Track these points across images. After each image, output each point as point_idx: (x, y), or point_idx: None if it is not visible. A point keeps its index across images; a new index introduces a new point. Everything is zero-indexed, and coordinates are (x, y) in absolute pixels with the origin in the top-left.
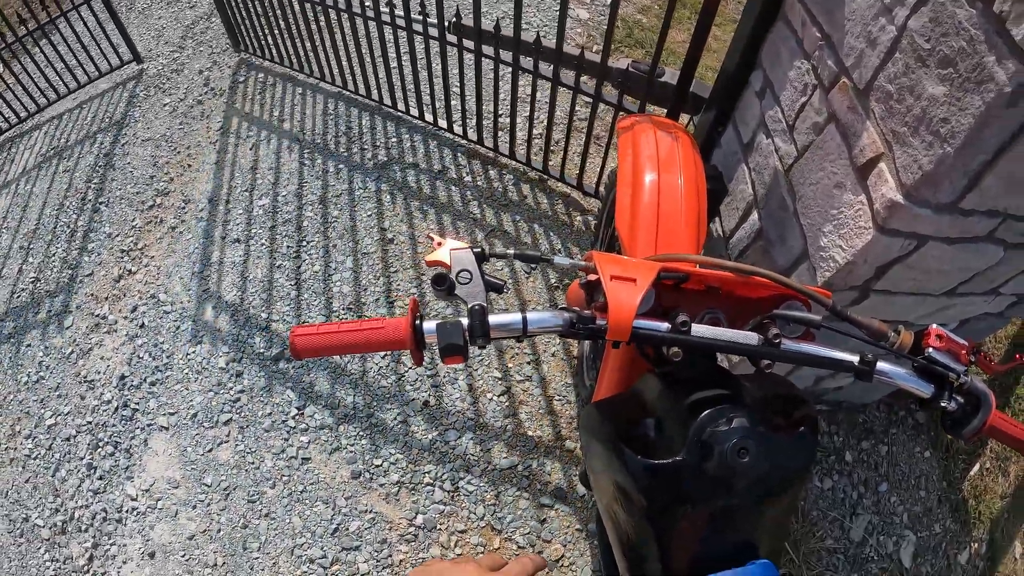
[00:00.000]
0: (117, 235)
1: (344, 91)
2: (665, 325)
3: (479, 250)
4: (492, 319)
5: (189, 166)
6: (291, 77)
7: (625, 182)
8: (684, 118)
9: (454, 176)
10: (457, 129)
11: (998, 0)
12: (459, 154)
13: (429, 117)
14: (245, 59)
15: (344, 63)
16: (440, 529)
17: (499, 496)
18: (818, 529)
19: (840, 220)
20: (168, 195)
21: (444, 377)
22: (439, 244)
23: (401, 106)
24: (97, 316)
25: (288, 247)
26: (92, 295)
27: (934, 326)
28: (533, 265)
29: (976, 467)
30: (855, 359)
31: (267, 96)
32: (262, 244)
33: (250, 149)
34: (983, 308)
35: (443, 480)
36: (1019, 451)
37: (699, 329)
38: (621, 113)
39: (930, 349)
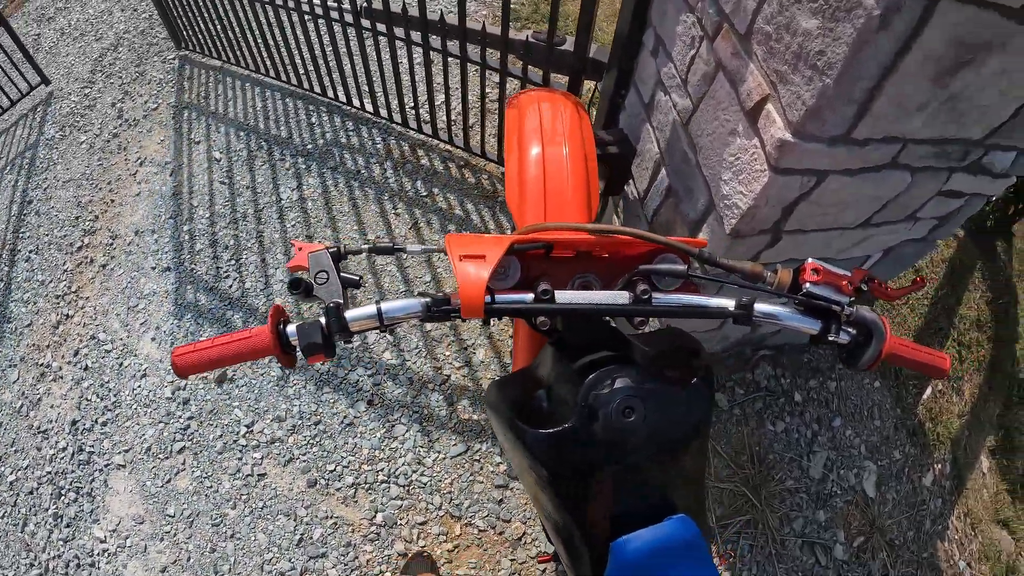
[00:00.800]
0: (50, 281)
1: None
2: (530, 296)
3: (335, 250)
4: (349, 314)
5: (112, 201)
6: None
7: (512, 158)
8: (590, 85)
9: (386, 159)
10: (384, 113)
11: None
12: (390, 137)
13: (357, 103)
14: (186, 55)
15: (275, 56)
16: (401, 524)
17: (453, 483)
18: (776, 472)
19: (738, 166)
20: (95, 233)
21: (384, 375)
22: (300, 249)
23: (331, 94)
24: (41, 365)
25: (219, 268)
26: (34, 345)
27: (810, 260)
28: (390, 256)
29: (928, 391)
30: (730, 305)
31: (180, 119)
32: (192, 269)
33: (170, 175)
34: (905, 235)
35: (397, 476)
36: (924, 373)
37: (565, 295)
38: (528, 86)
39: (807, 284)
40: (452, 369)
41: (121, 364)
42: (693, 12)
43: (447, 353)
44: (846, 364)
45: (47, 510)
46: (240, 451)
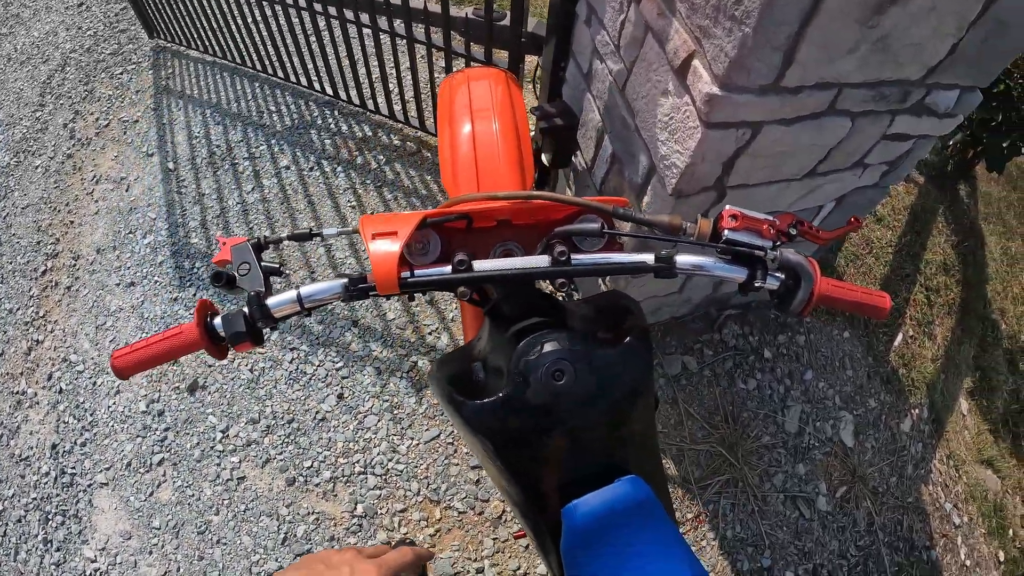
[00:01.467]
0: (18, 308)
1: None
2: (448, 268)
3: (255, 241)
4: (270, 301)
5: (72, 222)
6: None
7: (444, 137)
8: (534, 60)
9: (348, 138)
10: (343, 95)
11: None
12: (350, 118)
13: (318, 86)
14: (161, 46)
15: (244, 43)
16: (381, 513)
17: (429, 468)
18: (752, 429)
19: (673, 125)
20: (57, 256)
21: (353, 366)
22: (224, 244)
23: (293, 78)
24: (17, 393)
25: (182, 278)
26: (7, 374)
27: (727, 207)
28: (307, 243)
29: (899, 337)
30: (649, 258)
31: (131, 133)
32: (156, 281)
33: (126, 191)
34: (855, 183)
35: (373, 466)
36: (864, 315)
37: (484, 264)
38: (472, 64)
39: (726, 231)
40: (418, 355)
41: (94, 383)
42: None
43: (412, 339)
44: (779, 310)
45: (37, 536)
46: (218, 457)
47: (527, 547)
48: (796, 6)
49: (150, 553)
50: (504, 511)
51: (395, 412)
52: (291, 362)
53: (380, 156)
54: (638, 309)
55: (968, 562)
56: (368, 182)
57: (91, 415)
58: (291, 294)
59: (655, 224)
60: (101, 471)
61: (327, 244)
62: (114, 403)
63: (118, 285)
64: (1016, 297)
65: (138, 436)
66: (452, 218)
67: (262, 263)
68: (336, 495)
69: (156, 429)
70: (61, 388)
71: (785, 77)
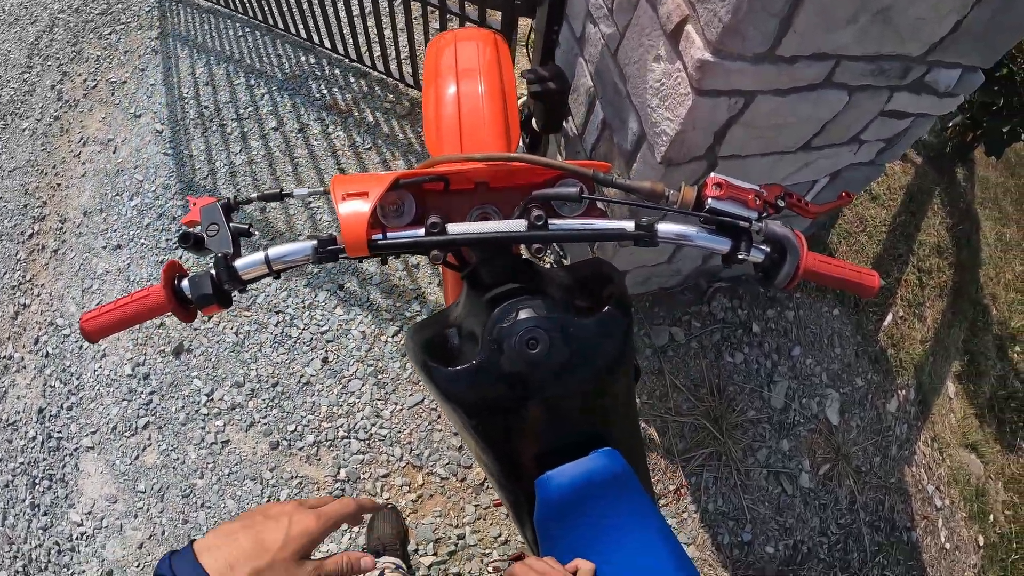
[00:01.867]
0: (5, 273)
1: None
2: (421, 231)
3: (225, 202)
4: (238, 263)
5: (59, 185)
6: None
7: (429, 98)
8: (526, 23)
9: (344, 93)
10: (341, 50)
11: None
12: (349, 74)
13: (317, 39)
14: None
15: None
16: (364, 478)
17: (412, 433)
18: (737, 403)
19: (664, 92)
20: (44, 219)
21: (338, 330)
22: (194, 204)
23: (293, 29)
24: (4, 358)
25: (167, 240)
26: None
27: (712, 175)
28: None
29: (889, 317)
30: (629, 225)
31: (119, 94)
32: (142, 243)
33: (113, 153)
34: (850, 159)
35: (357, 430)
36: (851, 292)
37: (459, 227)
38: (467, 24)
39: (710, 200)
40: (404, 320)
41: (80, 347)
42: None
43: (399, 304)
44: (763, 284)
45: (24, 501)
46: (203, 420)
47: (507, 516)
48: None
49: (135, 516)
50: (486, 479)
51: (379, 377)
52: (276, 325)
53: (377, 113)
54: (619, 277)
55: (948, 545)
56: (361, 139)
57: (77, 379)
58: (259, 256)
59: (636, 190)
60: (87, 435)
61: (310, 206)
62: (100, 367)
63: (104, 248)
64: (1008, 284)
65: (123, 400)
66: (427, 179)
67: (231, 224)
68: (319, 459)
69: (141, 393)
70: (47, 352)
71: (781, 45)
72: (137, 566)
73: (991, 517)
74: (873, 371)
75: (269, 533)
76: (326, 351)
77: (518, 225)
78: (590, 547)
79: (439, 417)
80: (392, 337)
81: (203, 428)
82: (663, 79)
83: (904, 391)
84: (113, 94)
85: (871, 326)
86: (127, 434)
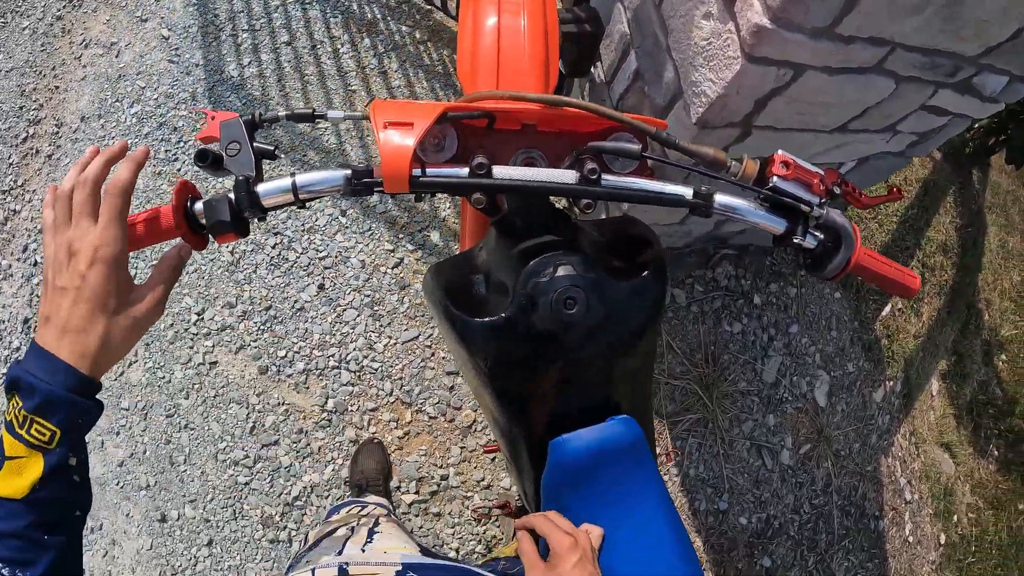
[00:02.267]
0: None
1: None
2: (464, 170)
3: (248, 118)
4: (261, 188)
5: (57, 87)
6: None
7: (466, 26)
8: None
9: (376, 9)
10: None
11: None
12: None
13: None
14: None
15: None
16: (352, 410)
17: (404, 369)
18: (730, 373)
19: (710, 52)
20: (40, 123)
21: (337, 257)
22: (212, 118)
23: None
24: None
25: (166, 151)
26: None
27: (780, 152)
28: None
29: (888, 307)
30: (687, 192)
31: None
32: None
33: (115, 57)
34: (881, 147)
35: (348, 361)
36: (888, 290)
37: (505, 171)
38: None
39: (775, 178)
40: (406, 252)
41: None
42: None
43: (401, 236)
44: (809, 271)
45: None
46: (191, 340)
47: (494, 459)
48: None
49: (117, 434)
50: (475, 421)
51: (376, 309)
52: (274, 247)
53: (404, 29)
54: (657, 241)
55: (911, 539)
56: (385, 60)
57: None
58: (285, 182)
59: (698, 155)
60: None
61: (335, 130)
62: None
63: None
64: (1004, 292)
65: None
66: (475, 115)
67: (254, 144)
68: (308, 388)
69: None
70: (36, 261)
71: (842, 23)
72: (117, 484)
73: (955, 517)
74: (865, 358)
75: (76, 283)
76: (323, 277)
77: (568, 176)
78: (600, 514)
79: (433, 355)
80: (392, 269)
81: (191, 348)
82: (711, 38)
83: (892, 382)
84: None
85: (869, 314)
86: None
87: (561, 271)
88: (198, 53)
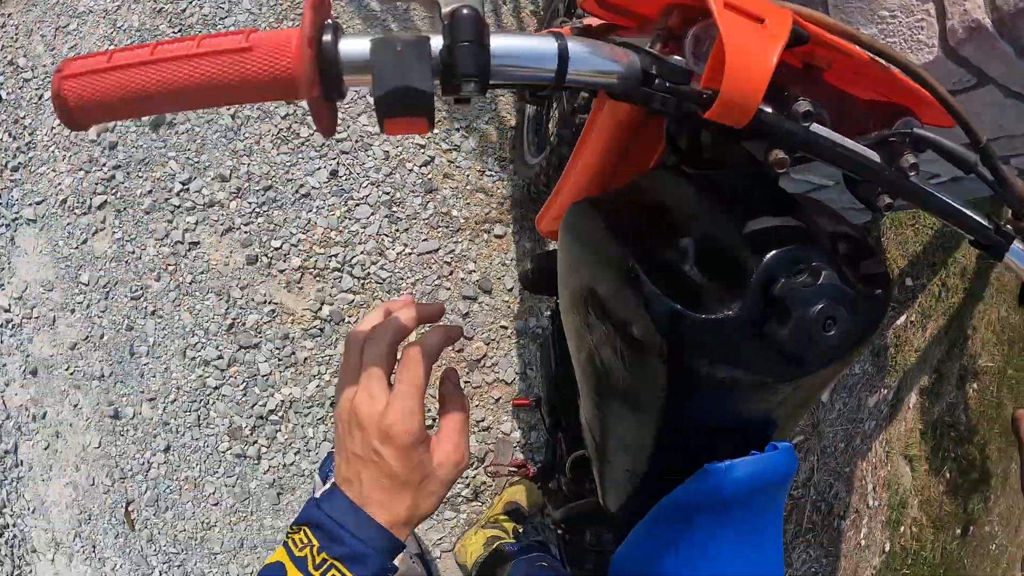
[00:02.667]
0: None
1: None
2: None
3: None
4: (498, 41)
5: None
6: None
7: None
8: None
9: None
10: None
11: None
12: None
13: None
14: None
15: None
16: (348, 321)
17: (416, 284)
18: None
19: (891, 28)
20: None
21: (357, 142)
22: None
23: None
24: None
25: None
26: None
27: None
28: None
29: (903, 317)
30: (990, 225)
31: None
32: None
33: None
34: None
35: (352, 265)
36: None
37: (819, 130)
38: None
39: None
40: (438, 151)
41: (41, 97)
42: None
43: (436, 131)
44: None
45: None
46: (171, 212)
47: (498, 400)
48: None
49: (72, 312)
50: (486, 355)
51: (393, 209)
52: (283, 118)
53: None
54: (879, 252)
55: (863, 542)
56: None
57: (30, 135)
58: (548, 43)
59: (1009, 184)
60: (31, 204)
61: None
62: (60, 125)
63: None
64: (990, 323)
65: (81, 169)
66: (800, 37)
67: None
68: (302, 288)
69: (104, 165)
70: (1, 96)
71: None
72: (66, 369)
73: (902, 528)
74: (871, 363)
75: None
76: (338, 163)
77: (870, 155)
78: (737, 552)
79: (451, 273)
80: (420, 167)
81: (170, 222)
82: (897, 13)
83: (886, 391)
84: None
85: (886, 320)
86: (78, 211)
87: (824, 277)
88: None
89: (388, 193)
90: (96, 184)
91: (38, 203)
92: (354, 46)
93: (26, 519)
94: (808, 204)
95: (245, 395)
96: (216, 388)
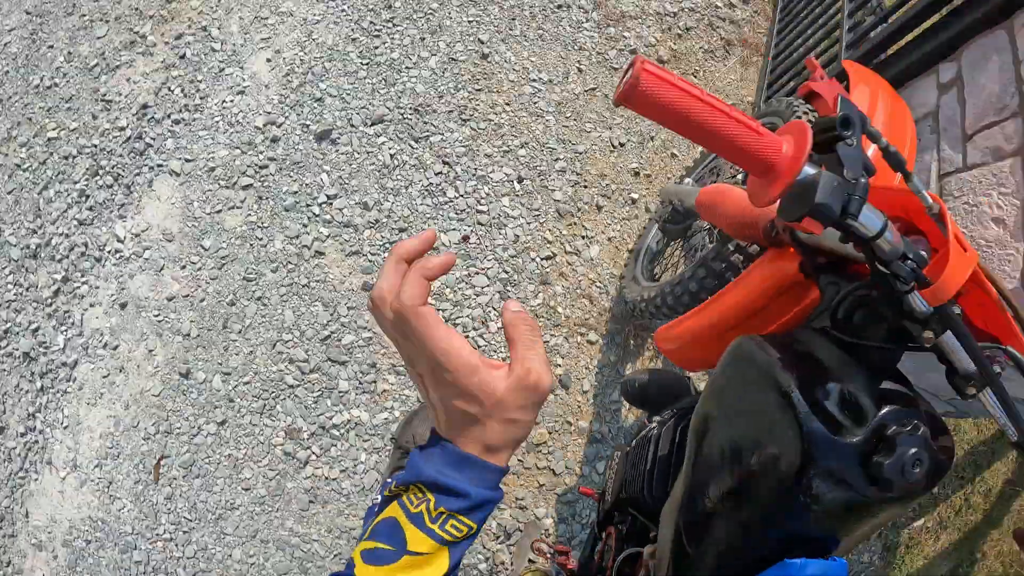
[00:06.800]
0: None
1: None
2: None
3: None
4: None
5: None
6: None
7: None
8: None
9: None
10: None
11: None
12: None
13: None
14: None
15: None
16: None
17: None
18: None
19: (985, 254)
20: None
21: (494, 218)
22: (821, 75)
23: None
24: (135, 32)
25: (371, 23)
26: (136, 8)
27: None
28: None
29: (920, 521)
30: None
31: None
32: (343, 11)
33: None
34: None
35: (456, 323)
36: None
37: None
38: None
39: None
40: (560, 250)
41: (222, 70)
42: (1020, 84)
43: (564, 232)
44: None
45: (75, 183)
46: (308, 218)
47: (541, 487)
48: None
49: (183, 267)
50: (545, 442)
51: (508, 288)
52: (437, 175)
53: None
54: (952, 438)
55: None
56: None
57: (201, 98)
58: (878, 216)
59: None
60: (180, 159)
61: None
62: (232, 101)
63: None
64: (1000, 554)
65: (238, 147)
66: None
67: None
68: None
69: (261, 152)
70: (185, 54)
71: None
72: (156, 315)
73: None
74: (879, 555)
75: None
76: (472, 230)
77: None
78: None
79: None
80: (542, 259)
81: (304, 226)
82: (993, 245)
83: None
84: None
85: (904, 519)
86: (223, 182)
87: (922, 431)
88: None
89: (508, 272)
90: (248, 167)
91: (187, 160)
92: (815, 173)
93: (55, 432)
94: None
95: (316, 403)
96: (292, 387)
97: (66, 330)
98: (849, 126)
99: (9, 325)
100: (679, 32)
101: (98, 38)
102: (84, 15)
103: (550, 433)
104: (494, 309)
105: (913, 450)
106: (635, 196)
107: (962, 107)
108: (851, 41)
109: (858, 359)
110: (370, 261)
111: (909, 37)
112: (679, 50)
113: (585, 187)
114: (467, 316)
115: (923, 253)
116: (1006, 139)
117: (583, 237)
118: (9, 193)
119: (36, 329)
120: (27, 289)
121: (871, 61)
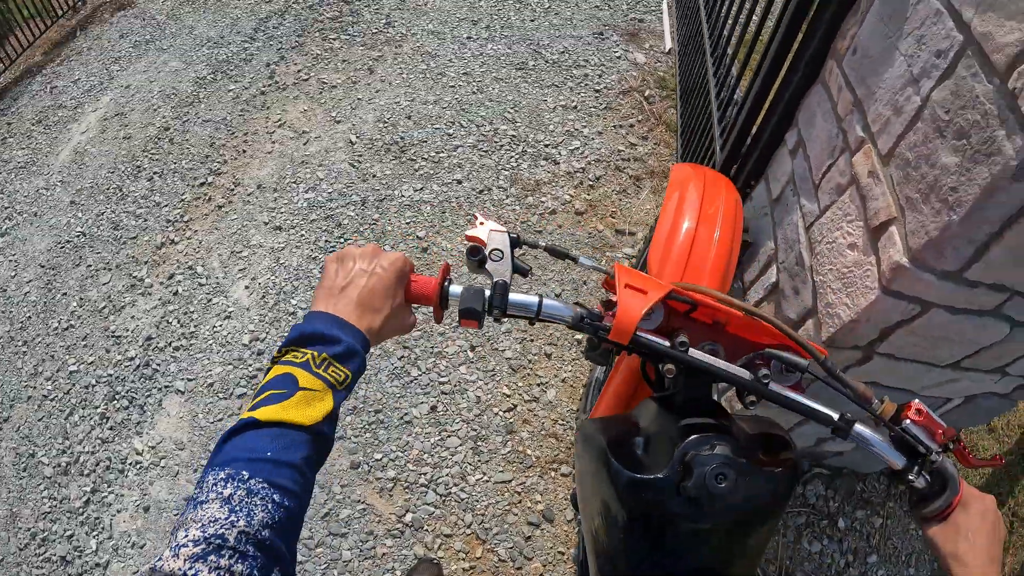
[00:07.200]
0: (165, 205)
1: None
2: (666, 342)
3: (515, 236)
4: (512, 296)
5: (244, 152)
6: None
7: (667, 216)
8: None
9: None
10: None
11: (1012, 77)
12: None
13: None
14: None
15: None
16: (427, 530)
17: (489, 508)
18: None
19: (849, 279)
20: (220, 175)
21: (455, 386)
22: (480, 223)
23: None
24: (134, 277)
25: (326, 241)
26: (132, 257)
27: (916, 401)
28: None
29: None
30: (835, 415)
31: (326, 96)
32: (302, 235)
33: (303, 144)
34: (990, 387)
35: (438, 483)
36: None
37: (696, 353)
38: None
39: (907, 421)
40: (520, 401)
41: (209, 300)
42: (840, 123)
43: (520, 385)
44: (912, 508)
45: (96, 407)
46: None
47: None
48: (1003, 210)
49: (195, 470)
50: (543, 574)
51: (479, 444)
52: (400, 359)
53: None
54: (794, 446)
55: None
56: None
57: (195, 326)
58: (533, 299)
59: (850, 386)
60: (183, 380)
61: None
62: (221, 325)
63: (266, 224)
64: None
65: (230, 364)
66: (691, 303)
67: (514, 258)
68: (392, 496)
69: (250, 365)
70: (177, 291)
71: (970, 270)
72: (176, 514)
73: None
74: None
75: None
76: (438, 400)
77: (743, 372)
78: None
79: (520, 502)
80: (504, 412)
81: None
82: (853, 268)
83: None
84: (320, 93)
85: None
86: (221, 395)
87: (719, 449)
88: (377, 167)
89: (476, 430)
90: (240, 379)
91: (189, 380)
92: (456, 289)
93: None
94: (740, 415)
95: (324, 574)
96: (300, 563)
97: (97, 534)
98: (477, 252)
99: (46, 534)
100: (590, 183)
101: (103, 284)
102: (90, 265)
103: (544, 566)
104: (468, 465)
105: (712, 466)
106: (579, 337)
107: (807, 162)
108: (722, 141)
109: (667, 407)
110: (354, 443)
111: (759, 121)
112: (593, 199)
113: (532, 340)
114: (446, 475)
115: (595, 311)
116: (840, 174)
117: (538, 384)
118: (39, 420)
119: (71, 536)
120: (60, 502)
121: (739, 151)
